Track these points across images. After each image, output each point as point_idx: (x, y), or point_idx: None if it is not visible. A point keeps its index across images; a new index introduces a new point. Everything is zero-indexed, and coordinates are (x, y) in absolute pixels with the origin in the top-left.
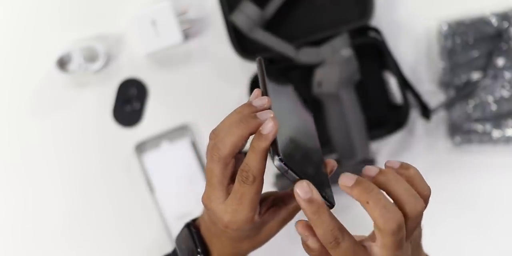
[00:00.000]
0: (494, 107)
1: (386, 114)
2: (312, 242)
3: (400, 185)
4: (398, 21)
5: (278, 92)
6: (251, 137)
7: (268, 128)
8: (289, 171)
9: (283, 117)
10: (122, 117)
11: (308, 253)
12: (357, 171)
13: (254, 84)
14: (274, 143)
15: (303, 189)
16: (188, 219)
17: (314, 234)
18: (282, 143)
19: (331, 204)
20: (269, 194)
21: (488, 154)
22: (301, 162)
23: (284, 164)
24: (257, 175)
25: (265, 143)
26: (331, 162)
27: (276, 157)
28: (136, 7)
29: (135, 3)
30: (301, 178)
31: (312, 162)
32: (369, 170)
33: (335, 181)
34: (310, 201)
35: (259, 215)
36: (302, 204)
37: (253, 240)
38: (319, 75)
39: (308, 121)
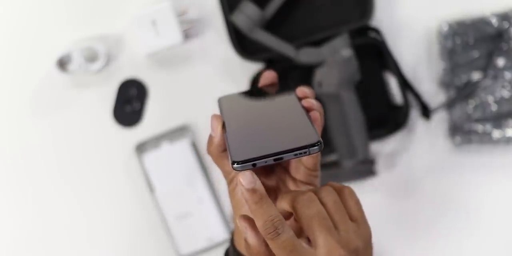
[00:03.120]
0: (494, 108)
1: (386, 114)
2: (250, 236)
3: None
4: (398, 21)
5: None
6: None
7: None
8: (256, 162)
9: (237, 123)
10: (122, 117)
11: (247, 252)
12: (358, 171)
13: (254, 84)
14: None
15: (246, 179)
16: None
17: (253, 227)
18: (235, 151)
19: (318, 143)
20: None
21: (488, 154)
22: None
23: (240, 162)
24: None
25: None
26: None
27: (234, 166)
28: (136, 7)
29: (135, 3)
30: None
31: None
32: None
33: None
34: (253, 190)
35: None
36: (245, 193)
37: None
38: (319, 75)
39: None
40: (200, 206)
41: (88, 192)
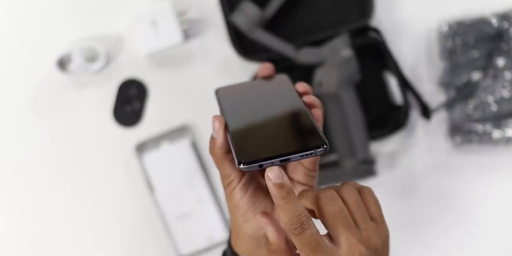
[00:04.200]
0: (494, 108)
1: (386, 114)
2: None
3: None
4: (398, 21)
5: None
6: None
7: None
8: (263, 163)
9: (240, 120)
10: (122, 117)
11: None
12: (358, 171)
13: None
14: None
15: (274, 174)
16: (187, 219)
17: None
18: (240, 152)
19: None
20: None
21: (488, 154)
22: (270, 143)
23: (247, 163)
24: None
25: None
26: (300, 86)
27: (240, 167)
28: (136, 7)
29: (135, 3)
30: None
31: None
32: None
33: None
34: (280, 186)
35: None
36: (272, 188)
37: None
38: (320, 75)
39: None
40: (200, 206)
41: (88, 192)
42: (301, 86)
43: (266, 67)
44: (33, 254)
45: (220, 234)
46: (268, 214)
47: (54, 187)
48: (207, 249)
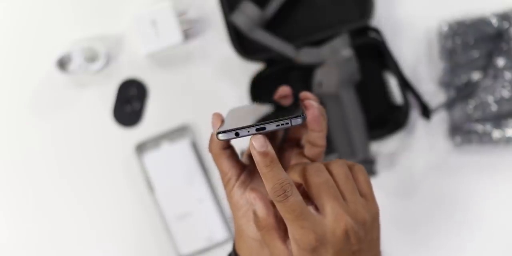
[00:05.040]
0: (494, 108)
1: (386, 114)
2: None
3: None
4: (398, 21)
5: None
6: None
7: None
8: (238, 131)
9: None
10: (122, 117)
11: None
12: None
13: (254, 84)
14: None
15: (259, 142)
16: (188, 219)
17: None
18: (223, 127)
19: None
20: None
21: (488, 154)
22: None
23: (224, 131)
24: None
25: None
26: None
27: (218, 136)
28: (136, 7)
29: (135, 3)
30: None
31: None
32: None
33: None
34: (264, 154)
35: None
36: (257, 156)
37: None
38: (320, 75)
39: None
40: (200, 206)
41: (88, 192)
42: (302, 94)
43: (284, 89)
44: (33, 253)
45: (220, 234)
46: (256, 190)
47: (54, 187)
48: (207, 249)
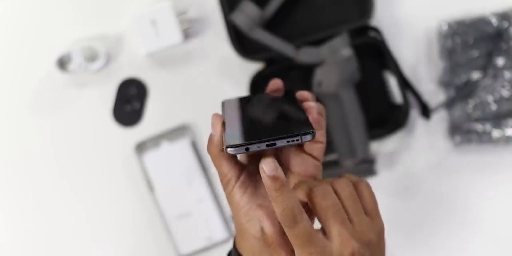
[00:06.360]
0: (494, 107)
1: (386, 114)
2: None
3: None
4: (398, 21)
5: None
6: None
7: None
8: (249, 146)
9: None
10: (122, 117)
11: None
12: (358, 171)
13: (254, 84)
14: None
15: (269, 166)
16: (187, 219)
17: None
18: (230, 137)
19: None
20: None
21: (488, 154)
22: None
23: (233, 146)
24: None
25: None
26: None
27: (227, 150)
28: (136, 7)
29: (135, 3)
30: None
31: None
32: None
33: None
34: (274, 178)
35: None
36: (267, 180)
37: None
38: (319, 75)
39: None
40: (200, 206)
41: (88, 192)
42: (300, 94)
43: (275, 82)
44: (33, 253)
45: (220, 234)
46: (264, 207)
47: (54, 187)
48: (207, 249)
